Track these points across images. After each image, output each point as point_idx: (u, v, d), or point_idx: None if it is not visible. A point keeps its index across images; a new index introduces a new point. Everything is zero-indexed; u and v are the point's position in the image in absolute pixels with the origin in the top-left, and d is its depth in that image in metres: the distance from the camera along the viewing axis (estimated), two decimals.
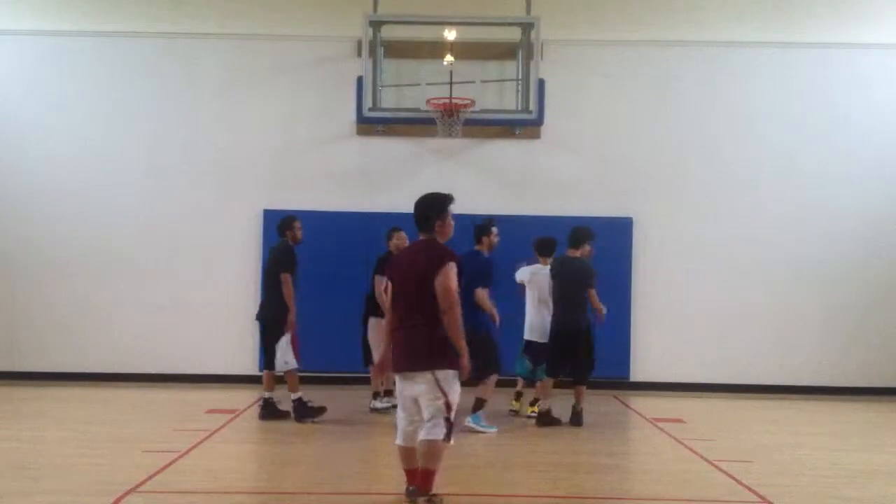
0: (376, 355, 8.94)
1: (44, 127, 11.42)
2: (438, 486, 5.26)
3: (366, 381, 9.57)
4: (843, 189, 11.46)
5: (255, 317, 8.89)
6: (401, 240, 9.12)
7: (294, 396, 8.44)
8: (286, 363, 8.37)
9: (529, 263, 9.11)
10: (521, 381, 9.37)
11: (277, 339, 8.39)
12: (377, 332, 8.44)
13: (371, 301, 9.00)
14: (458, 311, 5.01)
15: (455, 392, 5.08)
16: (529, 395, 9.18)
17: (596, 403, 10.03)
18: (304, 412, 8.41)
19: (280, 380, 8.92)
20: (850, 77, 11.52)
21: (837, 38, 11.32)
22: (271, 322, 8.45)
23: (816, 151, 11.49)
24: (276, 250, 8.66)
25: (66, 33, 11.40)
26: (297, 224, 8.65)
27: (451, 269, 4.99)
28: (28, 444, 7.29)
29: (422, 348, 5.06)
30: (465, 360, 5.05)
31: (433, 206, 5.19)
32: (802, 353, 11.36)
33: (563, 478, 6.44)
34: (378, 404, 9.19)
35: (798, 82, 11.53)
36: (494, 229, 8.39)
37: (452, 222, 5.19)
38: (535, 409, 8.84)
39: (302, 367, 8.67)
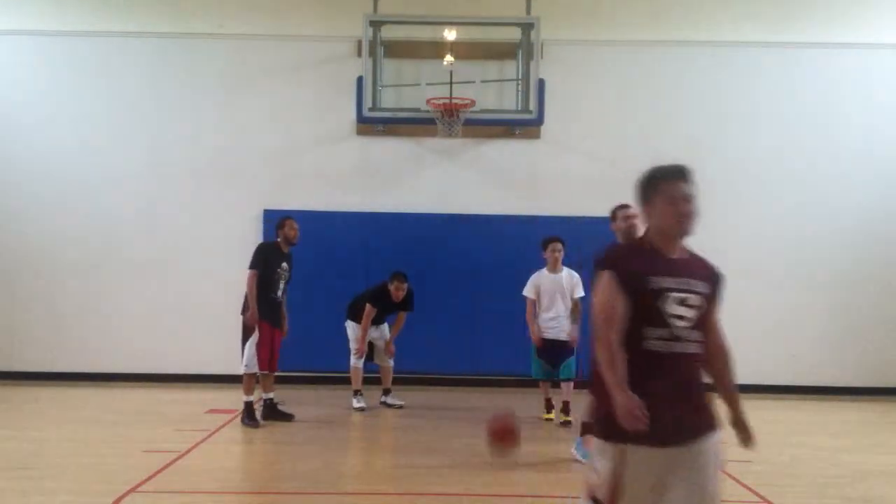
0: (353, 356, 9.42)
1: (43, 127, 11.42)
2: (439, 485, 5.26)
3: (369, 381, 9.60)
4: (843, 189, 11.46)
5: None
6: (399, 290, 9.31)
7: (246, 398, 8.33)
8: (247, 365, 8.28)
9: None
10: (543, 386, 8.95)
11: (247, 338, 8.31)
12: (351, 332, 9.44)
13: (352, 307, 9.48)
14: (605, 341, 3.26)
15: (602, 466, 3.30)
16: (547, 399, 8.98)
17: None
18: (250, 416, 8.33)
19: (279, 380, 8.93)
20: (850, 77, 11.51)
21: (837, 38, 11.32)
22: (243, 320, 8.38)
23: (817, 151, 11.49)
24: (256, 247, 8.62)
25: (66, 33, 11.40)
26: (290, 223, 8.51)
27: (603, 280, 3.34)
28: (28, 444, 7.29)
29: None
30: (621, 412, 3.16)
31: (638, 189, 3.61)
32: (802, 353, 11.35)
33: (563, 478, 6.44)
34: (356, 403, 9.30)
35: (799, 82, 11.53)
36: (622, 212, 7.00)
37: (677, 206, 3.38)
38: (570, 417, 8.52)
39: (274, 373, 8.62)
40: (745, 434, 3.45)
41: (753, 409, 10.33)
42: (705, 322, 3.34)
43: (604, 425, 3.29)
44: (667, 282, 3.25)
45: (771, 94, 11.52)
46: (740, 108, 11.53)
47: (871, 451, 7.74)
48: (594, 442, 3.37)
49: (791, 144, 11.49)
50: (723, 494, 5.88)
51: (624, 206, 6.89)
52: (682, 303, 3.25)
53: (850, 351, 11.37)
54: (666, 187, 3.41)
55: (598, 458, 3.31)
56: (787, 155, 11.49)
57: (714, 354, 3.43)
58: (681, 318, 3.24)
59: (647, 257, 3.34)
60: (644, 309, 3.22)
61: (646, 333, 3.22)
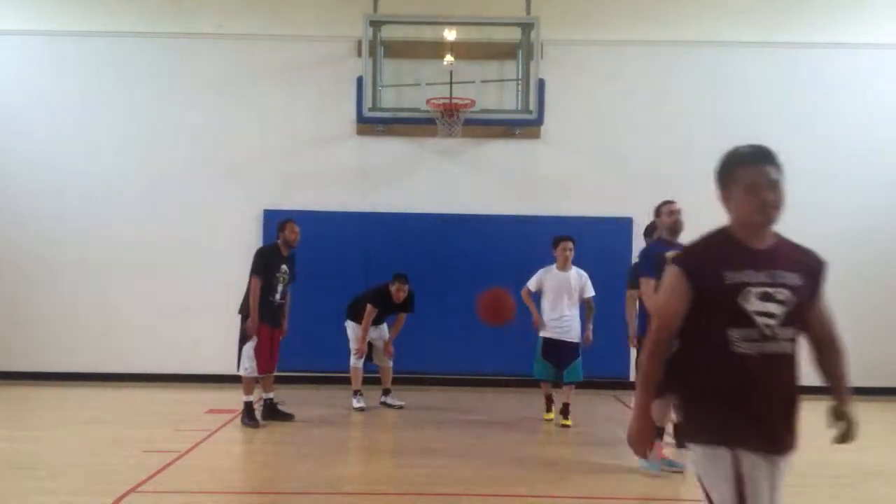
0: (353, 357, 9.34)
1: (43, 127, 11.42)
2: (439, 485, 5.25)
3: (369, 381, 9.59)
4: (842, 189, 11.46)
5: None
6: (400, 291, 9.27)
7: (245, 399, 8.34)
8: (246, 369, 8.28)
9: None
10: (545, 385, 8.86)
11: (244, 341, 8.29)
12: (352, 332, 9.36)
13: (352, 308, 9.44)
14: (651, 347, 3.04)
15: (711, 485, 3.01)
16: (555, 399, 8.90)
17: (596, 403, 10.04)
18: (250, 416, 8.34)
19: (279, 380, 8.93)
20: (850, 77, 11.52)
21: (837, 38, 11.33)
22: (241, 322, 8.36)
23: (816, 151, 11.49)
24: (256, 251, 8.60)
25: (66, 33, 11.41)
26: (290, 226, 8.46)
27: (668, 279, 3.03)
28: (28, 444, 7.29)
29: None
30: (632, 436, 3.13)
31: (715, 176, 3.12)
32: (802, 353, 11.33)
33: (563, 478, 6.44)
34: (356, 403, 9.29)
35: (798, 82, 11.53)
36: (666, 207, 6.99)
37: (757, 194, 3.01)
38: (568, 421, 8.49)
39: (274, 373, 8.62)
40: (849, 429, 3.26)
41: None
42: (804, 315, 3.03)
43: (709, 427, 2.92)
44: (747, 276, 2.91)
45: (770, 94, 11.52)
46: (739, 107, 11.52)
47: (871, 451, 7.74)
48: (696, 455, 3.00)
49: (790, 144, 11.38)
50: None
51: (668, 202, 6.91)
52: (768, 298, 2.91)
53: (851, 351, 11.12)
54: (744, 173, 3.02)
55: (703, 468, 2.96)
56: (786, 155, 11.38)
57: (824, 346, 3.16)
58: (768, 314, 2.90)
59: (723, 250, 2.98)
60: (724, 308, 2.88)
61: (731, 335, 2.88)
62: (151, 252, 11.35)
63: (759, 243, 3.01)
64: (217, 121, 11.49)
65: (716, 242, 3.04)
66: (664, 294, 3.01)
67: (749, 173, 3.01)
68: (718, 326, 2.89)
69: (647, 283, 6.38)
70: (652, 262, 6.42)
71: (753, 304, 2.89)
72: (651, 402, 3.04)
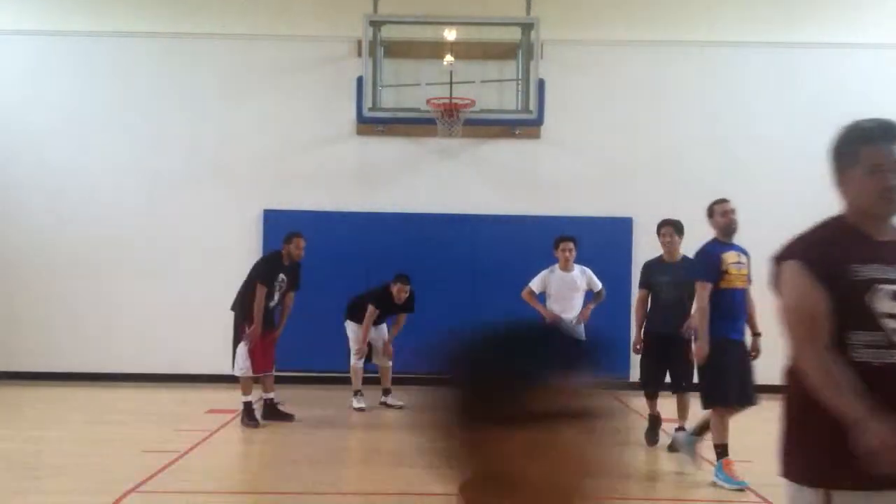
0: (353, 357, 9.30)
1: (43, 127, 11.41)
2: (434, 486, 5.25)
3: (369, 381, 9.59)
4: None
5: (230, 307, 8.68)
6: (402, 291, 9.22)
7: (244, 399, 8.33)
8: (241, 369, 8.30)
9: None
10: None
11: (238, 341, 8.35)
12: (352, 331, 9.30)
13: (352, 307, 9.38)
14: (813, 355, 2.54)
15: None
16: None
17: None
18: (249, 416, 8.34)
19: (278, 380, 8.95)
20: (850, 77, 11.51)
21: (837, 38, 11.32)
22: (235, 324, 8.43)
23: (816, 152, 11.41)
24: (260, 258, 8.71)
25: (66, 33, 11.40)
26: (297, 241, 8.46)
27: (790, 276, 2.59)
28: (28, 444, 7.29)
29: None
30: (873, 446, 2.33)
31: (832, 156, 2.82)
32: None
33: None
34: (356, 403, 9.25)
35: (798, 82, 11.52)
36: (720, 206, 6.66)
37: (882, 178, 2.58)
38: None
39: (273, 373, 8.67)
40: None
41: (754, 409, 10.36)
42: None
43: (800, 464, 2.50)
44: (875, 270, 2.46)
45: (770, 94, 11.50)
46: (740, 108, 11.51)
47: None
48: (786, 493, 2.55)
49: (791, 145, 11.47)
50: (723, 495, 5.92)
51: (722, 201, 6.63)
52: None
53: None
54: (869, 154, 2.58)
55: None
56: (786, 155, 11.47)
57: None
58: None
59: (844, 240, 2.57)
60: (847, 308, 2.44)
61: (851, 339, 2.44)
62: (151, 252, 11.34)
63: (883, 234, 2.57)
64: (217, 120, 11.48)
65: (833, 232, 2.63)
66: (801, 294, 2.50)
67: (872, 153, 2.56)
68: (836, 330, 2.44)
69: (702, 287, 6.21)
70: (708, 266, 6.31)
71: (884, 305, 2.43)
72: (857, 405, 2.34)
